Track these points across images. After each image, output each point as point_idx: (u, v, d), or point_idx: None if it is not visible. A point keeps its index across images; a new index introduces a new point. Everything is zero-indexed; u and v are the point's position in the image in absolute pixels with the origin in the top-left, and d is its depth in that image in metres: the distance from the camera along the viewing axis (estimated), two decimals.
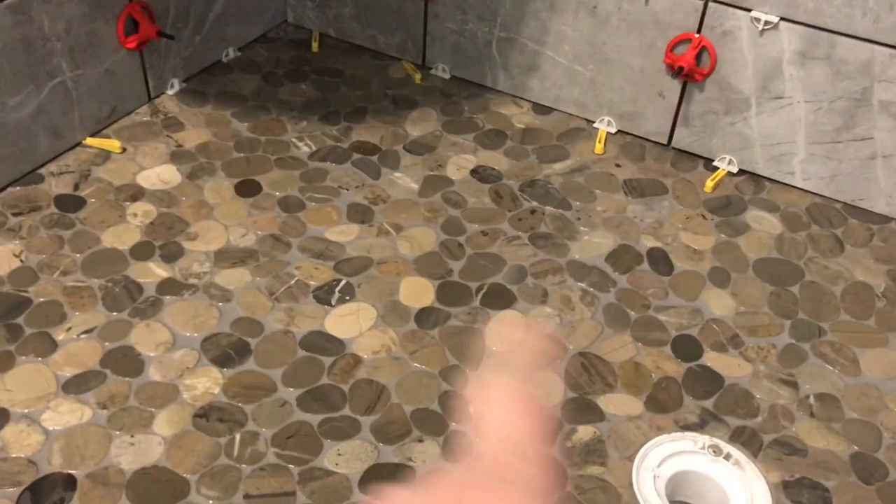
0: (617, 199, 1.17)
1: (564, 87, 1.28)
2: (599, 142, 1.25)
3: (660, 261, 1.07)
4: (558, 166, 1.22)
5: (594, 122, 1.28)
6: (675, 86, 1.19)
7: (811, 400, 0.92)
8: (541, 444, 0.24)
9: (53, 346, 0.91)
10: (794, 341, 0.98)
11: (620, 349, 0.96)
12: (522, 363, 0.28)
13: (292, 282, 1.02)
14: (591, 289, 1.03)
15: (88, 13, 1.12)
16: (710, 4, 1.11)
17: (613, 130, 1.27)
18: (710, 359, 0.96)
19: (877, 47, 1.04)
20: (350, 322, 0.97)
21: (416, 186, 1.17)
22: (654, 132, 1.25)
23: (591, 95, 1.27)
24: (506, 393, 0.26)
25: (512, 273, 1.05)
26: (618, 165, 1.22)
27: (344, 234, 1.09)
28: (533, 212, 1.14)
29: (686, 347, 0.97)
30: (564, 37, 1.24)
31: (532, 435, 0.24)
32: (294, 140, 1.24)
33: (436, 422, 0.88)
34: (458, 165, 1.21)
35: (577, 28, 1.22)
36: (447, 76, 1.38)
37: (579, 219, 1.13)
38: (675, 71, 1.15)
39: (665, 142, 1.25)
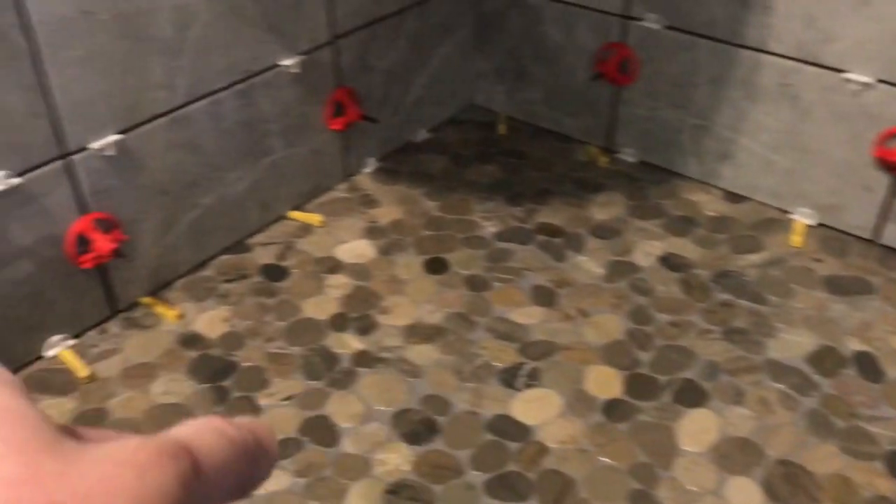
0: (817, 295, 1.11)
1: (760, 175, 1.24)
2: (797, 234, 1.19)
3: (868, 366, 1.00)
4: (753, 258, 1.17)
5: (791, 214, 1.23)
6: (884, 179, 1.13)
7: None
8: None
9: (257, 410, 0.96)
10: None
11: (825, 460, 0.90)
12: None
13: (478, 362, 1.03)
14: (791, 391, 0.98)
15: (302, 97, 1.20)
16: None
17: (813, 223, 1.22)
18: None
19: None
20: (536, 408, 0.97)
21: (601, 271, 1.16)
22: (859, 227, 1.18)
23: (789, 186, 1.22)
24: None
25: (704, 369, 1.01)
26: (817, 260, 1.16)
27: (528, 316, 1.09)
28: (726, 304, 1.10)
29: None
30: (762, 125, 1.21)
31: None
32: (480, 220, 1.27)
33: None
34: (646, 252, 1.19)
35: (778, 117, 1.19)
36: (634, 160, 1.37)
37: (776, 315, 1.08)
38: (888, 166, 1.09)
39: (871, 237, 1.18)
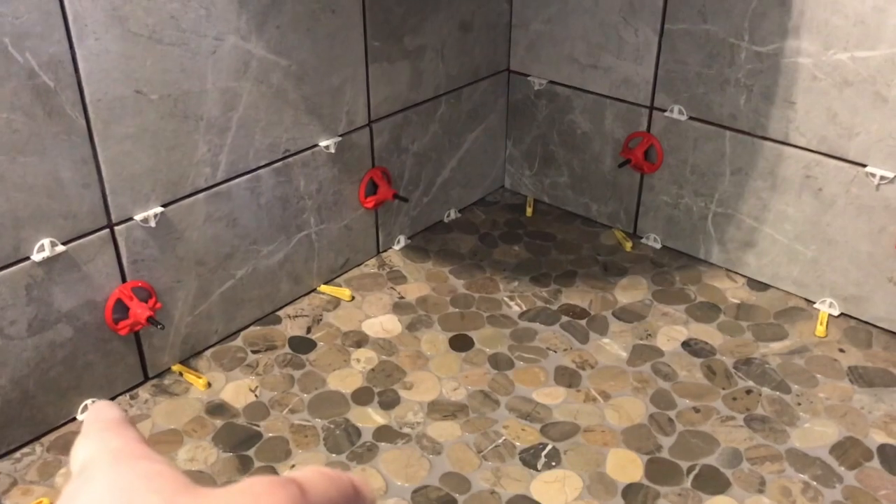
0: (841, 386, 1.10)
1: (783, 264, 1.26)
2: (821, 324, 1.20)
3: (892, 459, 0.99)
4: (776, 346, 1.18)
5: (815, 303, 1.24)
6: None
7: None
8: None
9: None
10: None
11: None
12: None
13: (500, 441, 1.03)
14: (814, 482, 0.97)
15: (337, 176, 1.25)
16: None
17: (836, 313, 1.22)
18: None
19: None
20: (556, 490, 0.97)
21: (624, 354, 1.17)
22: (883, 318, 1.18)
23: (813, 275, 1.23)
24: None
25: (726, 456, 1.01)
26: (841, 350, 1.17)
27: (551, 396, 1.10)
28: (749, 392, 1.10)
29: None
30: (785, 216, 1.23)
31: None
32: (506, 299, 1.29)
33: None
34: (669, 336, 1.20)
35: (801, 208, 1.21)
36: (658, 246, 1.39)
37: (800, 404, 1.08)
38: None
39: (895, 329, 1.18)
